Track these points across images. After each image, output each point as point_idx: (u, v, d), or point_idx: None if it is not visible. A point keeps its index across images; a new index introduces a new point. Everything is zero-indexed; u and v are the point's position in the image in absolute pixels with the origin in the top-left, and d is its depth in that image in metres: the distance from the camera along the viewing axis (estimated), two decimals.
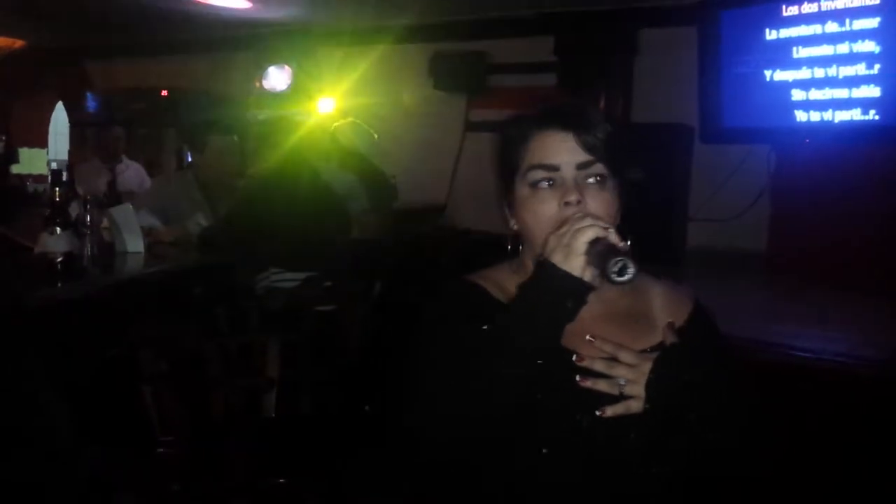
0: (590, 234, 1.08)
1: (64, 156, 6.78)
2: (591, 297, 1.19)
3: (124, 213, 3.13)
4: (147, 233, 3.20)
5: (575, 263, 1.08)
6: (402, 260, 4.16)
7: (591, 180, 1.22)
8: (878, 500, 2.12)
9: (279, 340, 2.74)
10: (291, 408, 2.86)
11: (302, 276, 3.24)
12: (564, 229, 1.11)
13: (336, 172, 3.92)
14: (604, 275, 1.07)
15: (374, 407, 3.74)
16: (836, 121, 3.53)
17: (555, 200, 1.21)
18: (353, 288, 3.28)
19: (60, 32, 6.45)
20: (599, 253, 1.07)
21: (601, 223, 1.11)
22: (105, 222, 3.13)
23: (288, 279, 3.23)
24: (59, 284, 2.52)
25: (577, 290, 1.09)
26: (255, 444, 2.60)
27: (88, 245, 2.89)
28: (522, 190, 1.25)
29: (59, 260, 2.52)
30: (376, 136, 4.50)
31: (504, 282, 1.29)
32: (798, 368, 2.31)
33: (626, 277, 1.03)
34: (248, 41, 6.04)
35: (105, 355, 2.56)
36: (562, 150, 1.22)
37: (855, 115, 3.47)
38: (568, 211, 1.19)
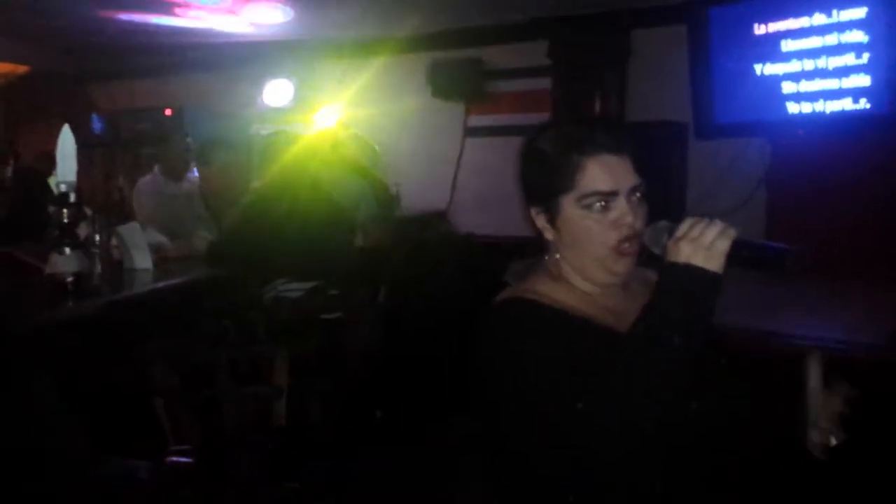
0: (731, 237, 1.14)
1: (72, 177, 6.88)
2: (624, 293, 1.34)
3: (132, 231, 3.19)
4: (154, 250, 3.25)
5: (718, 263, 1.13)
6: (407, 266, 4.22)
7: (636, 198, 1.29)
8: (882, 484, 2.15)
9: (287, 350, 2.80)
10: (301, 416, 2.91)
11: (308, 285, 3.29)
12: (696, 233, 1.15)
13: (341, 182, 3.98)
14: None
15: (385, 413, 3.79)
16: (828, 111, 3.57)
17: (608, 221, 1.27)
18: (359, 296, 3.34)
19: (63, 57, 6.55)
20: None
21: (728, 225, 1.17)
22: (114, 241, 3.19)
23: (294, 289, 3.28)
24: (71, 303, 2.57)
25: (719, 287, 1.14)
26: (267, 451, 2.65)
27: (98, 263, 2.94)
28: (572, 210, 1.29)
29: (70, 280, 2.56)
30: (378, 148, 4.54)
31: (554, 293, 1.32)
32: (798, 357, 2.34)
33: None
34: (250, 58, 6.12)
35: (118, 370, 2.61)
36: (619, 175, 1.27)
37: (846, 104, 3.52)
38: (623, 231, 1.27)
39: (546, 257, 1.38)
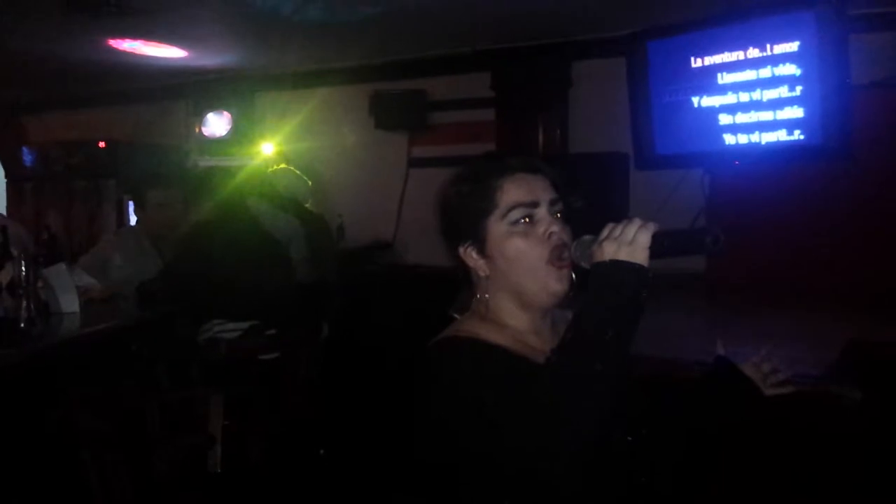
0: (651, 230, 1.16)
1: (2, 210, 6.63)
2: (551, 334, 1.33)
3: (58, 274, 3.05)
4: (83, 292, 3.12)
5: (642, 256, 1.15)
6: (352, 300, 4.15)
7: (558, 215, 1.33)
8: None
9: (223, 393, 2.70)
10: (240, 460, 2.80)
11: (245, 325, 3.20)
12: (618, 232, 1.17)
13: (276, 217, 3.90)
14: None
15: (328, 451, 3.70)
16: (763, 142, 3.63)
17: (536, 236, 1.30)
18: (298, 334, 3.25)
19: None
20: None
21: (647, 220, 1.19)
22: (40, 283, 3.05)
23: (230, 329, 3.18)
24: None
25: (647, 280, 1.16)
26: (203, 501, 2.55)
27: (24, 306, 2.80)
28: (499, 229, 1.32)
29: None
30: (310, 182, 4.47)
31: (485, 333, 1.31)
32: None
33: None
34: (187, 89, 6.03)
35: (43, 419, 2.48)
36: (537, 189, 1.32)
37: (781, 135, 3.58)
38: (553, 240, 1.29)
39: (476, 297, 1.37)
